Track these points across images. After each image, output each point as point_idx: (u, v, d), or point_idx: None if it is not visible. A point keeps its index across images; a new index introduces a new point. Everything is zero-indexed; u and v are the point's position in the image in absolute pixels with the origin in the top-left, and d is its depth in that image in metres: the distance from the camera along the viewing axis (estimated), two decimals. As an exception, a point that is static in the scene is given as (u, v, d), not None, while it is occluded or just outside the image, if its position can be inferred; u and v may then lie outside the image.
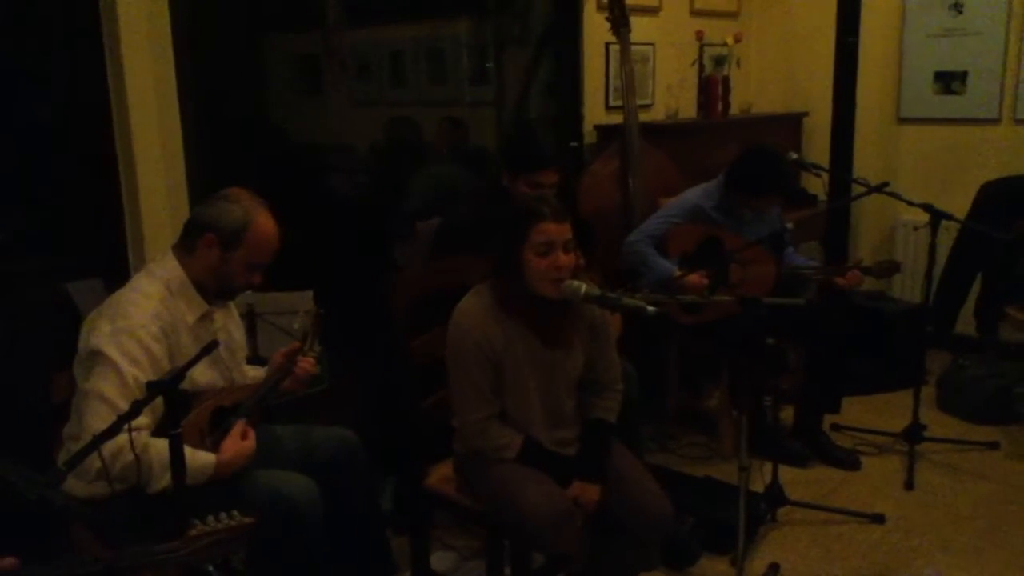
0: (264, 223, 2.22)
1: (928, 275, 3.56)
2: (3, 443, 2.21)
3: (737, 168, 3.51)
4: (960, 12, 4.83)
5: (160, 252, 2.38)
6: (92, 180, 2.83)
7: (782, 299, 2.53)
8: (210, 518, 1.66)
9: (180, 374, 1.77)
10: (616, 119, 4.36)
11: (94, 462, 1.93)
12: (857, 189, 3.68)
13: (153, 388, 1.70)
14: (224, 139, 3.22)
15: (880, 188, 3.29)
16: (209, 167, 3.03)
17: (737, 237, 3.50)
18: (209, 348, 1.90)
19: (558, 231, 2.18)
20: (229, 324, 2.38)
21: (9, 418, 2.26)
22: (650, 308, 2.08)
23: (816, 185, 5.08)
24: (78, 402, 2.13)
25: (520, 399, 2.32)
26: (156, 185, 2.86)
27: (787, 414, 3.88)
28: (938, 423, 4.04)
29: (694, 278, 3.35)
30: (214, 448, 2.10)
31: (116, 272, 2.70)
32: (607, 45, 4.51)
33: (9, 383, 2.31)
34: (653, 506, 2.31)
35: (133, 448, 1.80)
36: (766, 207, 3.53)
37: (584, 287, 2.16)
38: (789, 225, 2.98)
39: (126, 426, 1.88)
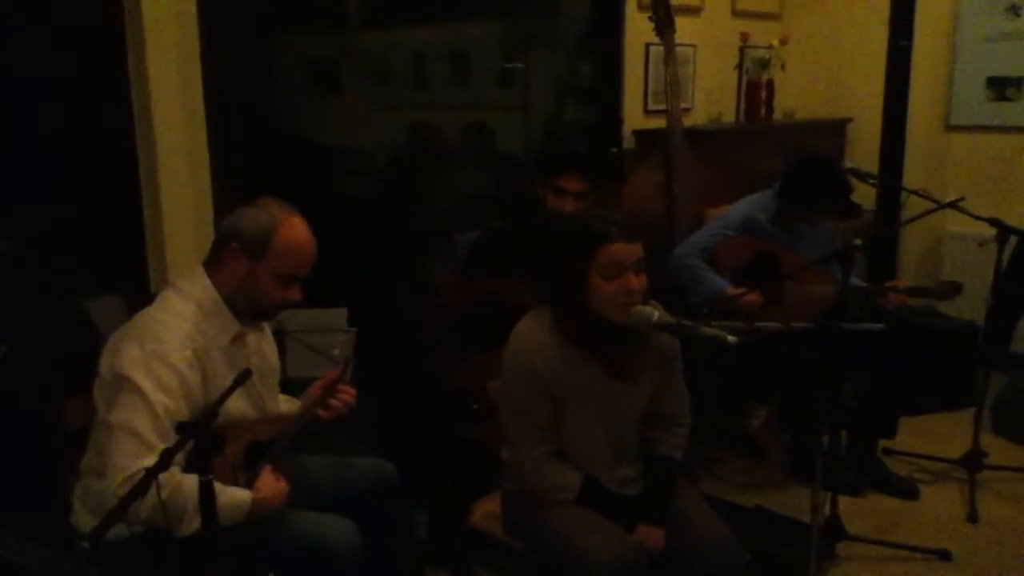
0: (293, 228, 2.01)
1: (994, 293, 3.37)
2: (12, 477, 2.02)
3: (792, 181, 3.32)
4: (1017, 15, 4.60)
5: (186, 267, 2.20)
6: (112, 190, 2.66)
7: (861, 325, 2.31)
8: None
9: (212, 412, 1.58)
10: (655, 124, 4.16)
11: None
12: (915, 201, 3.45)
13: (184, 431, 1.50)
14: (252, 147, 3.04)
15: (955, 204, 3.07)
16: (236, 176, 2.85)
17: (795, 254, 3.31)
18: (242, 379, 1.70)
19: (628, 251, 1.98)
20: (263, 346, 2.19)
21: (19, 448, 2.07)
22: (731, 338, 1.87)
23: (862, 195, 4.88)
24: (99, 433, 1.94)
25: (582, 435, 2.11)
26: (180, 195, 2.69)
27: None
28: (995, 448, 3.81)
29: (751, 299, 3.17)
30: (248, 487, 1.90)
31: (136, 288, 2.51)
32: (647, 46, 4.31)
33: (20, 409, 2.11)
34: (723, 550, 2.12)
35: (159, 493, 1.60)
36: (823, 220, 3.33)
37: (657, 313, 1.95)
38: (857, 241, 2.77)
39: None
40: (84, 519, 1.98)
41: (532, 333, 2.07)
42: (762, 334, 2.18)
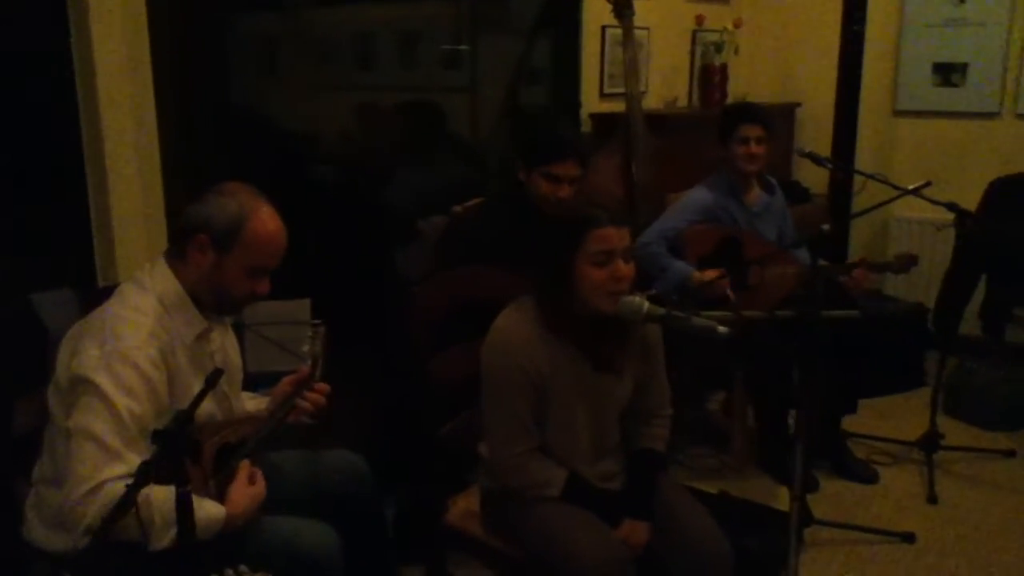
0: (264, 218, 1.89)
1: (948, 277, 3.40)
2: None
3: (718, 128, 3.41)
4: (962, 2, 4.67)
5: (135, 257, 2.06)
6: (56, 176, 2.48)
7: (840, 312, 2.29)
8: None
9: (187, 417, 1.47)
10: (611, 107, 4.10)
11: (83, 517, 1.63)
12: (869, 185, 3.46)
13: (159, 439, 1.39)
14: (204, 131, 2.87)
15: (918, 191, 3.06)
16: (188, 161, 2.69)
17: (758, 238, 3.30)
18: (213, 380, 1.60)
19: (618, 237, 1.91)
20: (227, 343, 2.06)
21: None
22: (721, 328, 1.82)
23: (815, 179, 4.91)
24: (53, 439, 1.81)
25: (566, 430, 2.04)
26: (128, 181, 2.52)
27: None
28: (948, 429, 3.86)
29: (710, 274, 3.14)
30: (219, 493, 1.79)
31: (85, 280, 2.35)
32: (604, 28, 4.24)
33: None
34: (709, 545, 2.06)
35: (136, 507, 1.48)
36: (751, 146, 3.34)
37: (646, 304, 1.88)
38: (825, 227, 2.75)
39: (118, 479, 1.59)
40: (39, 531, 1.84)
41: (515, 325, 1.99)
42: (749, 323, 2.13)
